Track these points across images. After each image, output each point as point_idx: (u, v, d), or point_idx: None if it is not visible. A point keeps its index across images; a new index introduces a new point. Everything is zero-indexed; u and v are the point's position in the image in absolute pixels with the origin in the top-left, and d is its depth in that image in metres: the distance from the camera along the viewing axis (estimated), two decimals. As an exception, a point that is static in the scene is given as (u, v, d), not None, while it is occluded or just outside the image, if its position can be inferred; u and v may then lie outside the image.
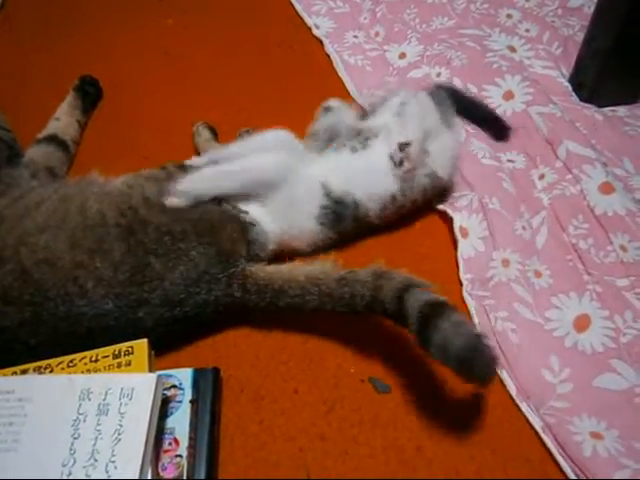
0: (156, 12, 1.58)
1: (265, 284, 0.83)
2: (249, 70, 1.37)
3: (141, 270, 0.80)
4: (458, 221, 0.99)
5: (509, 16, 1.44)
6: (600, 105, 1.20)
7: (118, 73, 1.40)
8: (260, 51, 1.44)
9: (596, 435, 0.75)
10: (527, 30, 1.39)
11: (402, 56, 1.36)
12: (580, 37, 1.28)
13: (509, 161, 1.11)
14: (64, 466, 0.67)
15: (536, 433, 0.78)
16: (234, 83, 1.23)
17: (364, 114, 1.04)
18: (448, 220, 1.02)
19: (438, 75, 1.27)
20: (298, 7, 1.56)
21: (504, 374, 0.83)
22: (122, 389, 0.72)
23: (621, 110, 1.20)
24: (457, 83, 1.24)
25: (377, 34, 1.44)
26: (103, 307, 0.78)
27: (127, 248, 0.80)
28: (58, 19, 1.59)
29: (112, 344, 0.78)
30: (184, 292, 0.81)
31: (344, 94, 1.30)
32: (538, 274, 0.93)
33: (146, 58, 1.44)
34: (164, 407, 0.76)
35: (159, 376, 0.74)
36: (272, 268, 0.86)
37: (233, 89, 1.18)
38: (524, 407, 0.79)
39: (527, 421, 0.79)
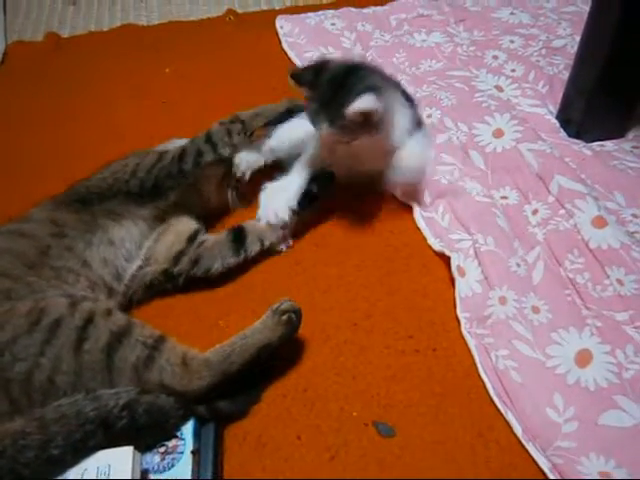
0: (154, 62, 1.63)
1: None
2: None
3: None
4: (455, 260, 1.00)
5: (495, 57, 1.49)
6: (588, 140, 1.23)
7: (118, 121, 1.43)
8: (255, 96, 1.46)
9: (605, 474, 0.74)
10: (513, 70, 1.43)
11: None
12: (565, 75, 1.32)
13: (502, 198, 1.12)
14: None
15: (544, 474, 0.76)
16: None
17: None
18: (446, 259, 1.03)
19: (429, 116, 1.30)
20: (291, 54, 1.61)
21: (509, 415, 0.82)
22: (98, 468, 0.71)
23: (609, 145, 1.23)
24: (448, 122, 1.27)
25: (368, 77, 1.48)
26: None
27: None
28: (59, 71, 1.64)
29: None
30: None
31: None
32: (536, 309, 0.93)
33: (145, 106, 1.48)
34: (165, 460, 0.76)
35: (135, 449, 0.73)
36: None
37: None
38: (531, 448, 0.78)
39: (535, 462, 0.78)
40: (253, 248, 1.04)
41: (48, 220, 0.94)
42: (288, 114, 1.16)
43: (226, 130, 1.08)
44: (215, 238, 1.05)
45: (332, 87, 0.97)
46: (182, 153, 1.04)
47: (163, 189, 1.01)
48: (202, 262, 1.00)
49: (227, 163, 1.12)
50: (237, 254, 1.02)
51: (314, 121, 1.00)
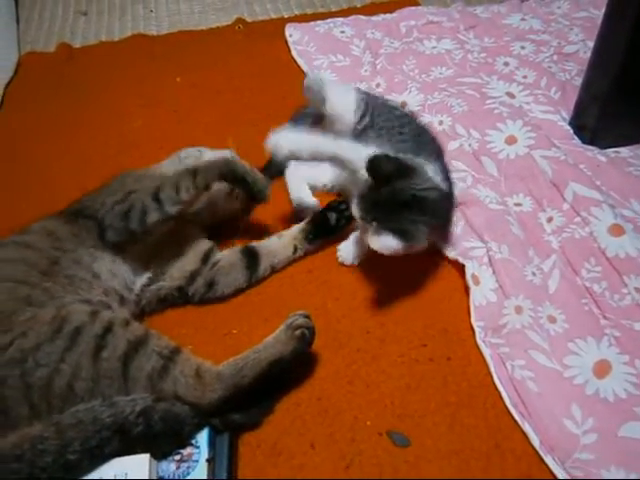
0: (165, 71, 1.64)
1: None
2: (255, 123, 1.41)
3: None
4: (470, 269, 0.99)
5: (506, 64, 1.48)
6: (602, 147, 1.22)
7: (130, 130, 1.44)
8: (265, 105, 1.48)
9: (626, 487, 0.72)
10: (525, 76, 1.43)
11: (403, 105, 1.39)
12: (578, 81, 1.31)
13: (516, 205, 1.11)
14: None
15: (563, 487, 0.75)
16: (241, 137, 1.26)
17: None
18: (460, 267, 1.02)
19: (440, 123, 1.30)
20: (300, 62, 1.61)
21: (526, 425, 0.81)
22: (115, 475, 0.71)
23: (624, 151, 1.22)
24: (460, 129, 1.27)
25: (378, 85, 1.48)
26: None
27: None
28: (71, 81, 1.65)
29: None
30: None
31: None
32: (552, 319, 0.92)
33: (157, 115, 1.48)
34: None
35: (151, 457, 0.73)
36: None
37: (240, 143, 1.21)
38: (549, 460, 0.77)
39: (552, 474, 0.77)
40: (265, 274, 1.05)
41: (46, 233, 0.93)
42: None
43: (174, 185, 0.95)
44: (228, 259, 1.03)
45: (389, 200, 0.91)
46: (128, 209, 0.93)
47: (113, 238, 0.93)
48: (217, 287, 1.00)
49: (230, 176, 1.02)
50: (249, 280, 1.03)
51: (359, 209, 0.93)
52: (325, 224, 1.08)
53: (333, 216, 1.08)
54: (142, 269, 0.98)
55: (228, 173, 0.99)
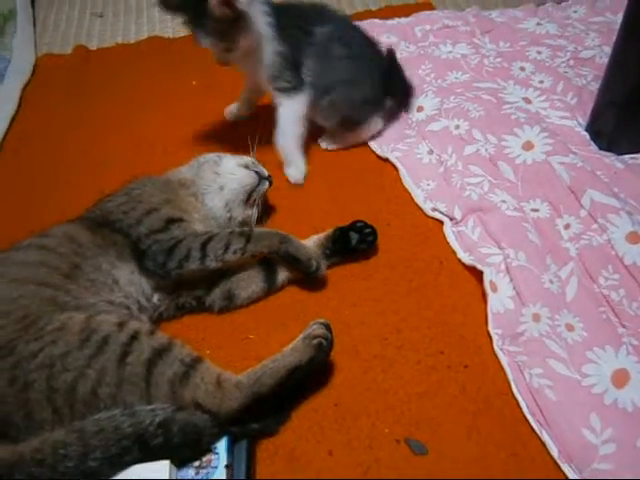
0: (182, 74, 1.65)
1: None
2: (272, 126, 1.41)
3: None
4: (488, 275, 0.99)
5: (522, 69, 1.48)
6: (619, 153, 1.21)
7: (148, 132, 1.45)
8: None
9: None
10: (541, 81, 1.42)
11: (420, 109, 1.39)
12: (594, 87, 1.30)
13: (533, 210, 1.11)
14: None
15: (581, 497, 0.75)
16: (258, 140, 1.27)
17: None
18: (476, 273, 1.02)
19: (457, 127, 1.30)
20: (316, 66, 1.61)
21: (544, 434, 0.81)
22: None
23: (641, 157, 1.21)
24: (477, 134, 1.27)
25: (394, 89, 1.47)
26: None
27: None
28: (87, 83, 1.67)
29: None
30: None
31: (364, 149, 1.36)
32: (570, 327, 0.92)
33: (173, 118, 1.49)
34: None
35: (171, 463, 0.74)
36: None
37: (257, 146, 1.21)
38: (566, 469, 0.77)
39: (571, 484, 0.77)
40: (282, 285, 1.05)
41: (67, 239, 0.95)
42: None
43: (225, 242, 0.96)
44: (247, 271, 1.03)
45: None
46: (173, 246, 0.95)
47: (150, 268, 0.95)
48: (235, 300, 1.01)
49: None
50: (267, 292, 1.04)
51: (197, 41, 1.10)
52: (345, 243, 1.07)
53: (355, 237, 1.07)
54: (161, 287, 0.99)
55: (280, 250, 0.99)
